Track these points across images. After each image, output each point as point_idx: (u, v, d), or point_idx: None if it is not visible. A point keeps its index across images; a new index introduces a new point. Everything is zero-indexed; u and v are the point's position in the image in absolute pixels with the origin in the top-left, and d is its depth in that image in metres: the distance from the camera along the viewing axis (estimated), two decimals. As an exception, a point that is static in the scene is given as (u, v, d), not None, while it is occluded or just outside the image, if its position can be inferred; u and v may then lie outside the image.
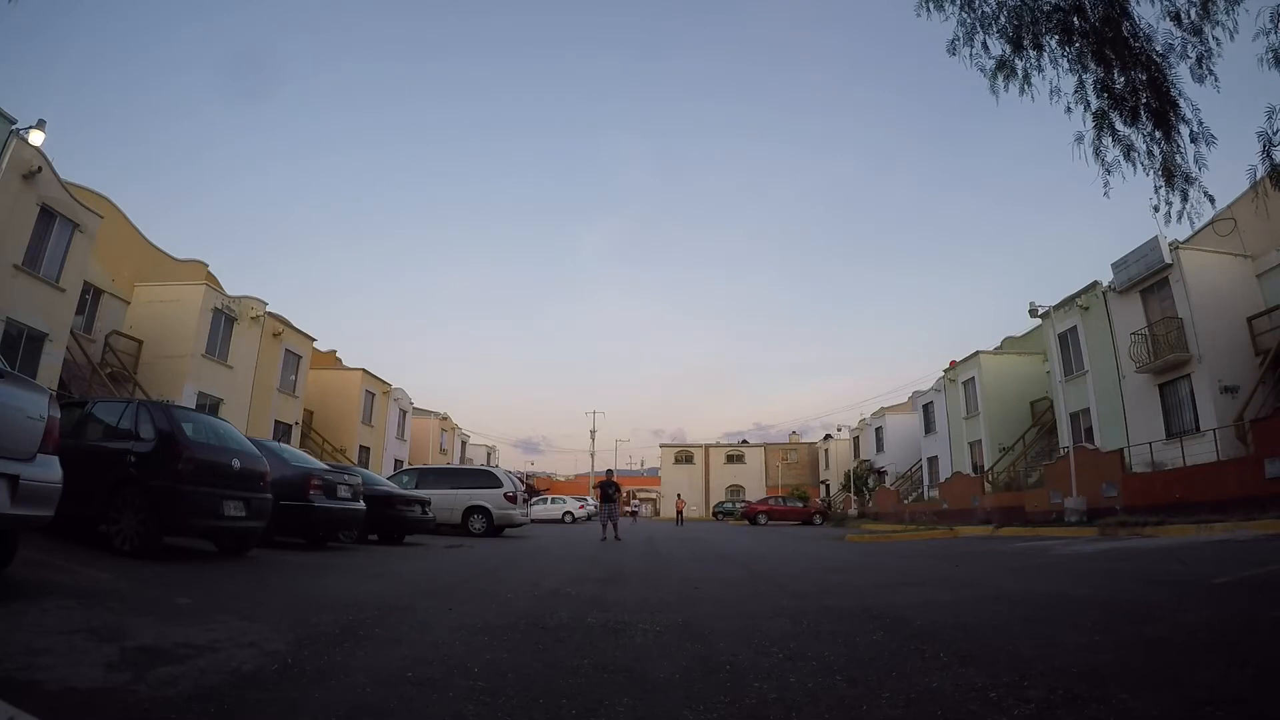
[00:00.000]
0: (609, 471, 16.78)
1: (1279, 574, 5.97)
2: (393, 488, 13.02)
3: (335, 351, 35.67)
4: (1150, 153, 4.39)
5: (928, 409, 33.20)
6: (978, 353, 28.04)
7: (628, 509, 33.70)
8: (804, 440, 60.05)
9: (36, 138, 15.25)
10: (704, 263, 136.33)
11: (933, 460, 31.91)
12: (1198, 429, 16.43)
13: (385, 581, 6.12)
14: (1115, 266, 19.28)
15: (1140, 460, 17.10)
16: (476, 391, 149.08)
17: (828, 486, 49.62)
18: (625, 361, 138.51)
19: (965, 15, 4.53)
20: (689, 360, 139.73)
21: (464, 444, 50.54)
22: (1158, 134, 4.34)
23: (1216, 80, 4.15)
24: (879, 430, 40.68)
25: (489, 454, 55.08)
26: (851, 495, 39.72)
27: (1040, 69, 4.51)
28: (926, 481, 32.34)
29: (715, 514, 49.00)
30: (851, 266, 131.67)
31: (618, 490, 15.84)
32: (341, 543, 10.20)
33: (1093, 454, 18.12)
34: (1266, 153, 4.11)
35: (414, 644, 3.30)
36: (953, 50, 4.61)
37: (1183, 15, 4.14)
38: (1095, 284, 20.54)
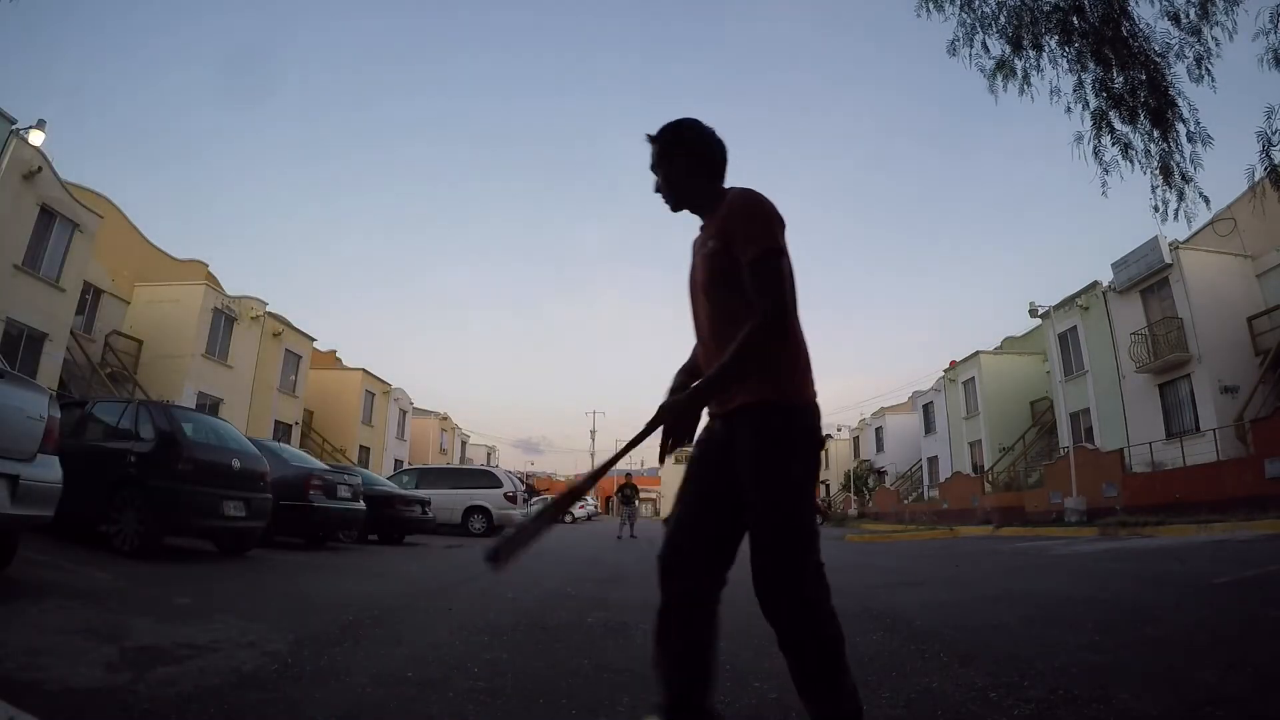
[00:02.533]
0: (628, 474, 18.12)
1: (1279, 574, 5.97)
2: (393, 488, 13.02)
3: (335, 351, 35.64)
4: (1148, 152, 4.41)
5: (928, 409, 33.17)
6: (978, 353, 28.02)
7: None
8: (804, 440, 59.79)
9: (36, 138, 15.25)
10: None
11: (933, 460, 31.88)
12: (1198, 429, 16.43)
13: (385, 581, 6.13)
14: (1115, 266, 19.28)
15: (1140, 460, 17.10)
16: (477, 392, 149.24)
17: (828, 486, 49.49)
18: (625, 361, 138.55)
19: (965, 15, 4.55)
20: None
21: (464, 444, 50.44)
22: (1156, 133, 4.35)
23: (1214, 80, 4.16)
24: (879, 430, 40.63)
25: (489, 454, 54.94)
26: (851, 495, 39.64)
27: (1039, 69, 4.53)
28: (926, 481, 32.32)
29: (715, 514, 48.78)
30: (852, 266, 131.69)
31: (635, 492, 17.17)
32: (341, 543, 10.20)
33: (1093, 454, 18.11)
34: (1265, 153, 4.12)
35: (414, 644, 3.30)
36: (953, 51, 4.63)
37: (1181, 16, 4.15)
38: (1095, 284, 20.53)
